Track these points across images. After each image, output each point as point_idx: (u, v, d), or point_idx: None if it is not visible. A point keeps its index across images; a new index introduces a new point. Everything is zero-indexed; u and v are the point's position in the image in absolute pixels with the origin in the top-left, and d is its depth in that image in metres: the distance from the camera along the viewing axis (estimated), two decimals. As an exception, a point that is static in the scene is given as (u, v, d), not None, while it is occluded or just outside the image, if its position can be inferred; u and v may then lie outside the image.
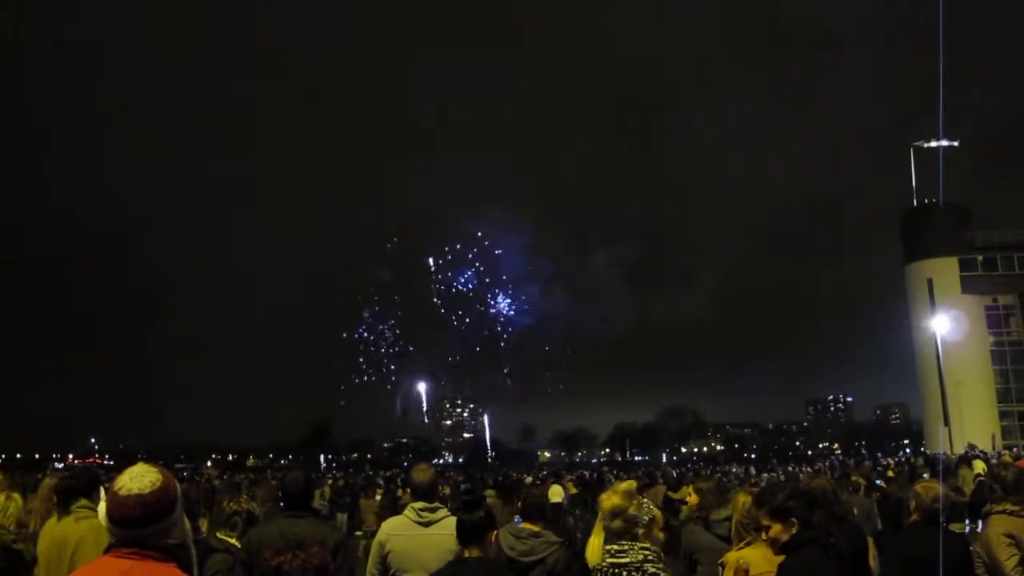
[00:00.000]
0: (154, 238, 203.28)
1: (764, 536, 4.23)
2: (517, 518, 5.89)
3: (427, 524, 5.06)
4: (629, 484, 4.45)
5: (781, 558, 4.12)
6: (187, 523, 2.74)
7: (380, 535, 5.25)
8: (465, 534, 4.28)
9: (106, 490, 2.57)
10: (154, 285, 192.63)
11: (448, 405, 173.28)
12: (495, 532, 4.67)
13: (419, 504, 5.13)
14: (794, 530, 4.03)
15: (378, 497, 21.17)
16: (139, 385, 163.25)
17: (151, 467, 2.56)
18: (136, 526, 2.44)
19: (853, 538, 5.03)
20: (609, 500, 4.26)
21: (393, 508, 14.37)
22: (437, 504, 5.16)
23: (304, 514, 5.06)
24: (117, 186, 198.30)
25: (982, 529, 5.13)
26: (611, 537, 4.18)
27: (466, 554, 4.24)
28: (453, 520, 4.58)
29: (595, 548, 5.02)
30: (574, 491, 33.20)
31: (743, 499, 4.66)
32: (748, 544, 4.44)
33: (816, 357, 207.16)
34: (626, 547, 4.04)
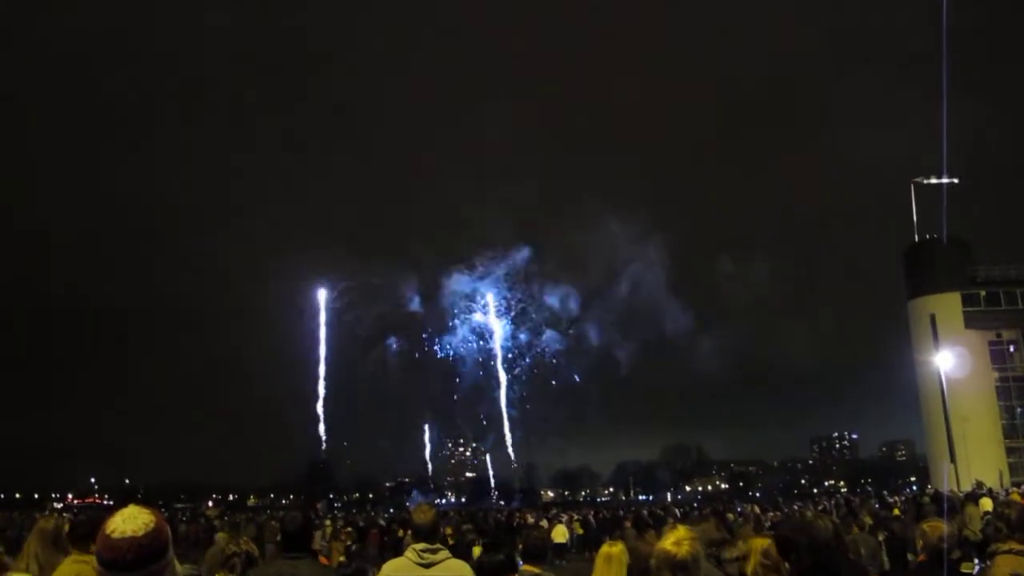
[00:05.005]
0: (153, 272, 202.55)
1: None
2: (519, 560, 5.83)
3: (428, 565, 5.02)
4: (688, 531, 3.97)
5: None
6: (178, 566, 2.70)
7: (381, 576, 5.21)
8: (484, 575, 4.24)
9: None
10: (153, 320, 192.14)
11: (451, 444, 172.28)
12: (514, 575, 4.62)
13: (420, 545, 5.09)
14: (786, 565, 3.92)
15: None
16: (138, 423, 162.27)
17: (143, 508, 2.54)
18: (128, 569, 2.40)
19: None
20: (680, 548, 3.65)
21: (395, 549, 14.27)
22: (438, 545, 5.12)
23: (303, 555, 5.02)
24: (108, 217, 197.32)
25: (989, 569, 5.07)
26: None
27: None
28: (455, 561, 4.55)
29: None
30: (580, 531, 33.01)
31: (759, 543, 4.46)
32: None
33: (820, 393, 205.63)
34: None
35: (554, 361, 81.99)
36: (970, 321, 61.97)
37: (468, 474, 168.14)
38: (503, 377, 77.56)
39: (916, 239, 66.41)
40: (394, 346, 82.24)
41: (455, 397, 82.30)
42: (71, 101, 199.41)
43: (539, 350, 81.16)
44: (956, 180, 64.60)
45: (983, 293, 62.60)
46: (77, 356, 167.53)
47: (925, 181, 64.37)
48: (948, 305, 62.42)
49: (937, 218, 64.03)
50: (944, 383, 59.89)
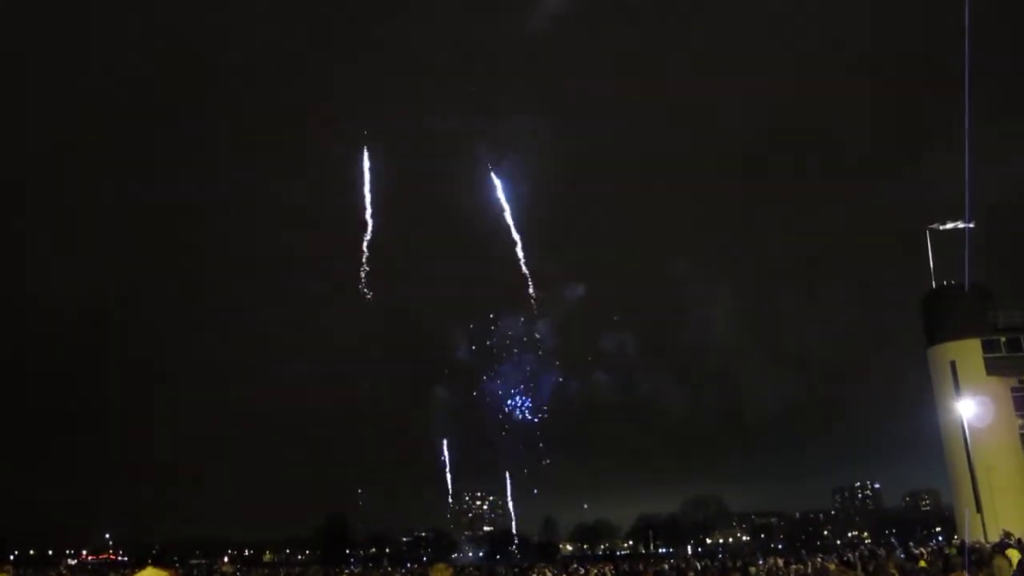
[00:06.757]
0: (170, 327, 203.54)
1: None
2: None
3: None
4: None
5: None
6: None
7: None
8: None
9: None
10: (168, 377, 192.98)
11: (468, 498, 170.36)
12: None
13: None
14: None
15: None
16: (153, 479, 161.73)
17: (161, 571, 2.61)
18: None
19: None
20: None
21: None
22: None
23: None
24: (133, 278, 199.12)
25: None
26: None
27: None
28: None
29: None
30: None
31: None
32: None
33: (841, 443, 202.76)
34: None
35: (600, 408, 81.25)
36: (991, 368, 61.14)
37: (486, 528, 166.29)
38: (540, 423, 76.50)
39: (933, 285, 65.98)
40: (440, 395, 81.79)
41: (489, 446, 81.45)
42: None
43: (588, 397, 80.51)
44: (972, 225, 64.16)
45: (1003, 339, 61.80)
46: (93, 414, 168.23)
47: (941, 227, 64.09)
48: (968, 352, 61.71)
49: (958, 264, 63.39)
50: (967, 431, 58.96)
